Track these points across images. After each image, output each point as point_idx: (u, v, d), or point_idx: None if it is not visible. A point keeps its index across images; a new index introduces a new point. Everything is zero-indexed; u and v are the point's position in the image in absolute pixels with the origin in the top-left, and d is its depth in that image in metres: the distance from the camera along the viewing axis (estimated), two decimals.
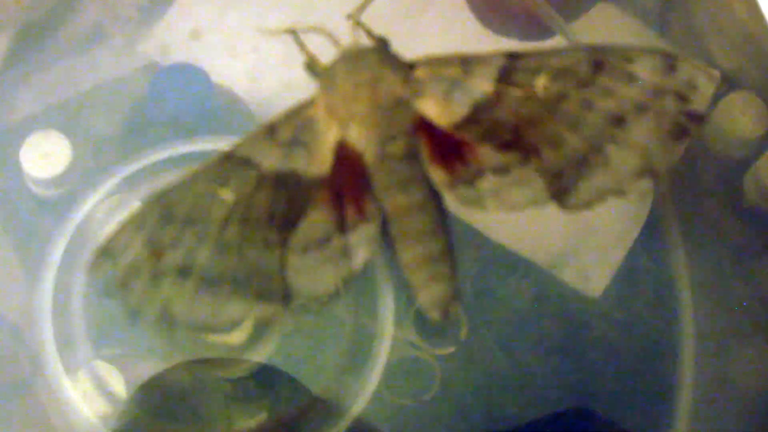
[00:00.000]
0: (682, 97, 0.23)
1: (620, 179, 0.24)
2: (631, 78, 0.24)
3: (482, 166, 0.24)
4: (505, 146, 0.24)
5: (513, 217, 0.27)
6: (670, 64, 0.23)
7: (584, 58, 0.24)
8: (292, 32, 0.25)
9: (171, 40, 0.31)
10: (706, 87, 0.23)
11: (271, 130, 0.24)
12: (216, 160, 0.24)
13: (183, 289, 0.23)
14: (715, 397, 0.29)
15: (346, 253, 0.24)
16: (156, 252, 0.23)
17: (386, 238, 0.24)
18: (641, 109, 0.24)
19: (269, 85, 0.30)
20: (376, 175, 0.24)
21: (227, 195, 0.24)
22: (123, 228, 0.23)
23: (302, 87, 0.25)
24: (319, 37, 0.25)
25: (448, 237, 0.24)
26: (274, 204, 0.24)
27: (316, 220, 0.24)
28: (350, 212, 0.24)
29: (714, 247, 0.28)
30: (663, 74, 0.23)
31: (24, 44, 0.31)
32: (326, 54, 0.25)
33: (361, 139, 0.24)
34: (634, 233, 0.29)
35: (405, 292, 0.27)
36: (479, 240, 0.29)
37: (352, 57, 0.24)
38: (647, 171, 0.24)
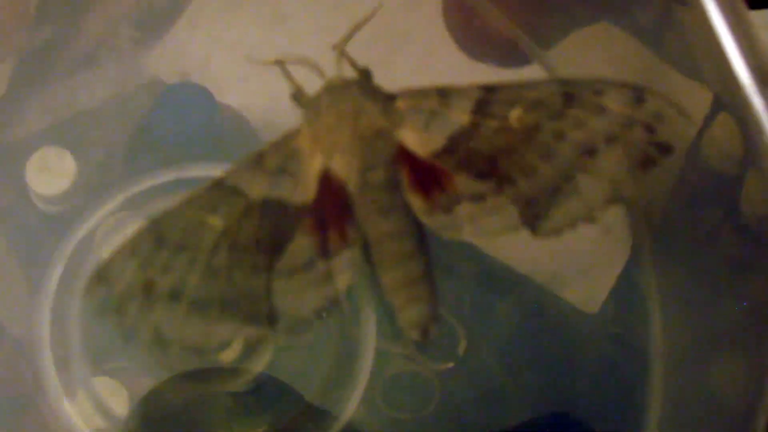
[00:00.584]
0: (650, 129, 0.24)
1: (590, 207, 0.25)
2: (601, 110, 0.25)
3: (459, 194, 0.25)
4: (481, 175, 0.25)
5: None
6: (638, 96, 0.24)
7: (557, 90, 0.25)
8: (280, 63, 0.26)
9: (175, 60, 0.31)
10: (673, 119, 0.24)
11: (258, 159, 0.25)
12: (206, 188, 0.25)
13: (175, 312, 0.25)
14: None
15: (329, 277, 0.25)
16: (149, 277, 0.24)
17: (368, 262, 0.26)
18: (611, 139, 0.25)
19: (274, 106, 0.30)
20: (358, 202, 0.25)
21: (216, 222, 0.25)
22: (117, 253, 0.25)
23: None
24: (305, 68, 0.26)
25: (428, 260, 0.26)
26: (261, 230, 0.25)
27: (301, 245, 0.25)
28: (333, 238, 0.25)
29: (708, 261, 0.29)
30: (632, 107, 0.24)
31: (29, 63, 0.31)
32: (314, 84, 0.26)
33: (343, 168, 0.25)
34: (628, 250, 0.30)
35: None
36: (478, 256, 0.30)
37: (335, 89, 0.26)
38: (616, 199, 0.25)
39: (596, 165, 0.25)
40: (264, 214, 0.25)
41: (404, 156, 0.25)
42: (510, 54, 0.28)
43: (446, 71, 0.27)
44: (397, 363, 0.29)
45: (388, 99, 0.26)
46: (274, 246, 0.25)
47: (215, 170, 0.26)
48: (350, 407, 0.28)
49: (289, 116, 0.26)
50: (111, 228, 0.29)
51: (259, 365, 0.28)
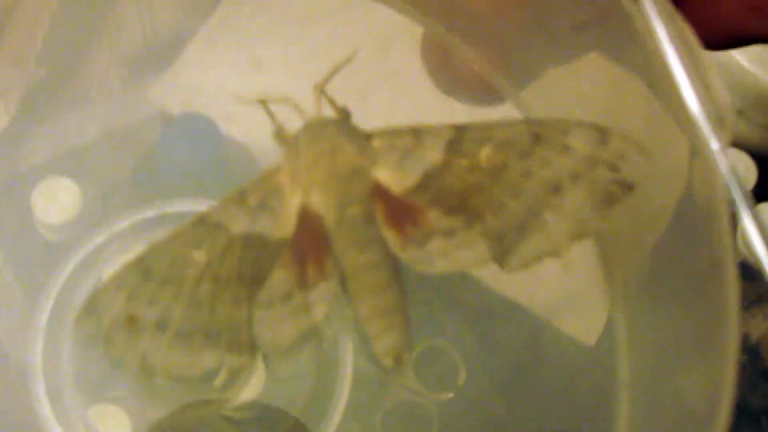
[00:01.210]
0: (612, 167, 0.26)
1: (556, 242, 0.26)
2: (566, 149, 0.26)
3: (431, 229, 0.26)
4: (452, 211, 0.26)
5: None
6: (602, 137, 0.26)
7: (525, 130, 0.26)
8: (262, 102, 0.28)
9: (181, 91, 0.32)
10: (634, 158, 0.25)
11: (240, 195, 0.27)
12: (190, 224, 0.26)
13: (160, 342, 0.26)
14: None
15: (306, 308, 0.26)
16: (135, 309, 0.26)
17: (345, 292, 0.27)
18: (576, 177, 0.26)
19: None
20: (335, 236, 0.27)
21: (200, 256, 0.26)
22: (106, 287, 0.26)
23: None
24: (286, 107, 0.27)
25: (401, 291, 0.27)
26: (242, 264, 0.26)
27: (280, 277, 0.26)
28: (311, 270, 0.27)
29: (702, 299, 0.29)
30: (595, 146, 0.26)
31: (36, 95, 0.32)
32: (295, 122, 0.27)
33: (321, 203, 0.27)
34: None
35: None
36: (478, 288, 0.31)
37: (314, 128, 0.27)
38: (581, 234, 0.26)
39: (561, 202, 0.26)
40: (245, 249, 0.26)
41: (379, 192, 0.27)
42: (484, 93, 0.29)
43: (421, 111, 0.28)
44: (397, 393, 0.29)
45: (364, 138, 0.27)
46: (254, 278, 0.26)
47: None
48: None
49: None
50: (115, 255, 0.30)
51: (251, 394, 0.29)
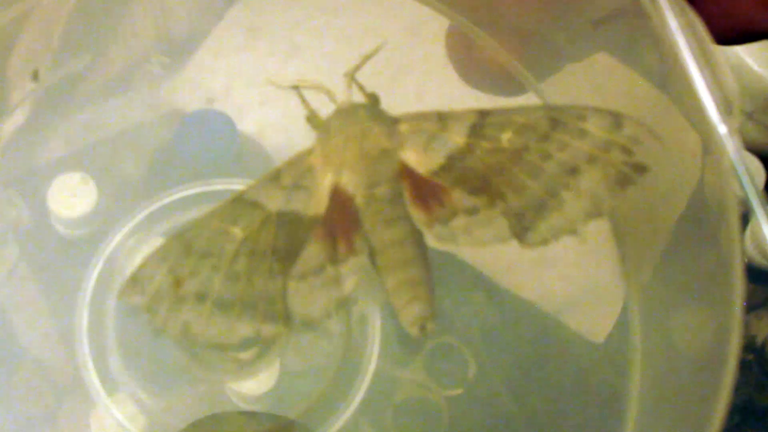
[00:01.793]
0: (627, 151, 0.27)
1: (572, 220, 0.28)
2: (583, 133, 0.27)
3: (455, 208, 0.28)
4: (475, 191, 0.28)
5: (521, 265, 0.29)
6: (617, 122, 0.27)
7: (543, 116, 0.28)
8: (296, 88, 0.29)
9: (198, 88, 0.33)
10: (647, 142, 0.27)
11: (276, 175, 0.28)
12: (228, 202, 0.28)
13: (200, 312, 0.28)
14: None
15: (337, 281, 0.28)
16: (177, 280, 0.27)
17: (374, 267, 0.28)
18: (592, 160, 0.27)
19: (292, 134, 0.33)
20: (364, 214, 0.28)
21: (237, 232, 0.28)
22: (149, 260, 0.28)
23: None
24: (319, 93, 0.29)
25: (427, 266, 0.28)
26: (277, 239, 0.28)
27: (313, 252, 0.28)
28: (342, 246, 0.28)
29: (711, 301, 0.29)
30: (610, 130, 0.27)
31: (53, 91, 0.33)
32: (326, 108, 0.29)
33: (352, 183, 0.28)
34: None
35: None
36: (488, 286, 0.32)
37: (345, 113, 0.28)
38: (596, 213, 0.28)
39: (578, 183, 0.27)
40: (280, 225, 0.28)
41: (406, 173, 0.28)
42: (506, 84, 0.30)
43: (446, 98, 0.29)
44: (407, 389, 0.30)
45: (392, 122, 0.28)
46: (288, 253, 0.28)
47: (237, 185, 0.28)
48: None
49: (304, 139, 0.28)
50: (130, 250, 0.31)
51: (265, 387, 0.30)
